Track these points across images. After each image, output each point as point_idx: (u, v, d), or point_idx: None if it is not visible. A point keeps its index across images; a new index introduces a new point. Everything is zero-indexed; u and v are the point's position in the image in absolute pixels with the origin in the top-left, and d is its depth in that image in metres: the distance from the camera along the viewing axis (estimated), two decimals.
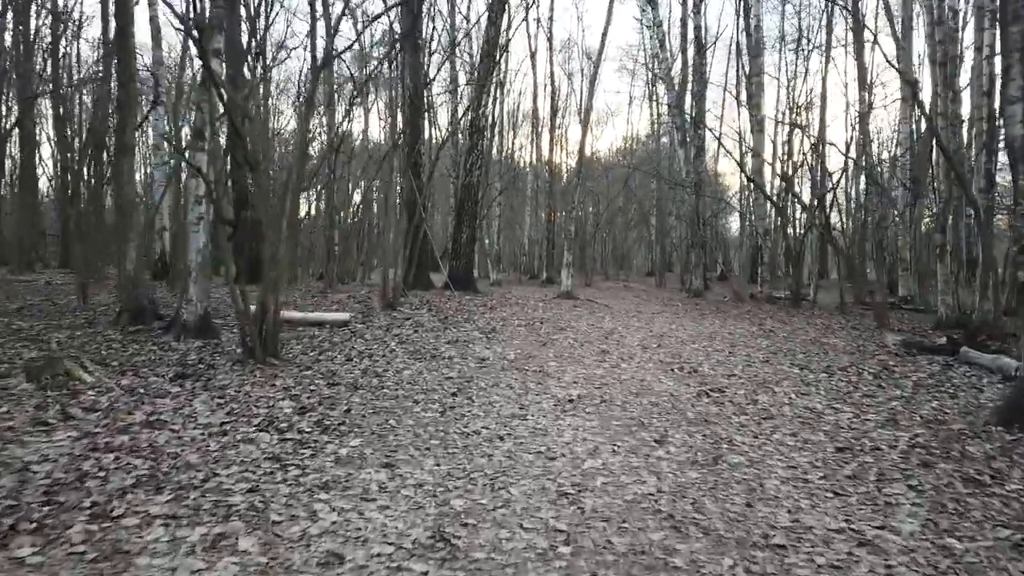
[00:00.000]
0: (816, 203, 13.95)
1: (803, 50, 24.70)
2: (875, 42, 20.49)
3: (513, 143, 38.63)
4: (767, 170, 25.13)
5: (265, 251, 5.69)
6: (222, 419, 4.32)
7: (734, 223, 42.22)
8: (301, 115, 7.27)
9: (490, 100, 16.15)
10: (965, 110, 15.27)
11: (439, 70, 14.01)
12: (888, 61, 10.78)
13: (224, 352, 6.46)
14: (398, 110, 13.66)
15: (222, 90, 5.76)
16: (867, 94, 21.75)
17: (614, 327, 10.69)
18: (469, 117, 15.39)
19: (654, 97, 37.24)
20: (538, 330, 9.59)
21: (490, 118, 24.91)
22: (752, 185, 22.28)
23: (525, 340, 8.54)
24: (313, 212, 24.09)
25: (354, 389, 5.34)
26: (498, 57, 15.59)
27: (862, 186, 24.52)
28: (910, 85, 9.33)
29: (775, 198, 16.00)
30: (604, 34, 16.58)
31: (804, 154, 14.44)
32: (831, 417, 5.15)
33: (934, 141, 15.41)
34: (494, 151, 29.05)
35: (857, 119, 20.94)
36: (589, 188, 35.18)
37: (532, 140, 34.45)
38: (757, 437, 4.58)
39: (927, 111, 9.48)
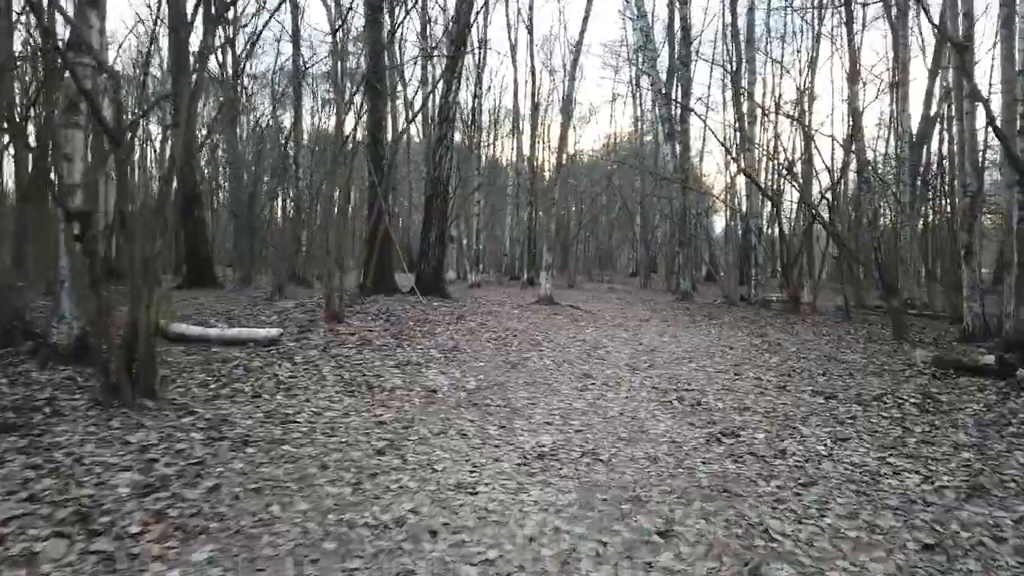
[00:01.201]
0: (820, 198, 12.71)
1: (793, 37, 23.52)
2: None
3: (494, 141, 37.42)
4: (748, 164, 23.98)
5: (135, 253, 4.24)
6: (8, 512, 2.87)
7: (717, 223, 41.14)
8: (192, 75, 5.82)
9: (462, 84, 14.71)
10: None
11: (398, 29, 12.48)
12: (932, 23, 9.45)
13: (96, 388, 4.98)
14: (353, 88, 12.15)
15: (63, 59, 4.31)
16: (860, 85, 20.68)
17: (598, 340, 9.33)
18: (438, 102, 13.97)
19: (637, 94, 36.19)
20: (509, 346, 8.19)
21: (465, 107, 23.50)
22: (745, 180, 21.10)
23: (492, 361, 7.13)
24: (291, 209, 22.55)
25: (242, 446, 3.90)
26: (470, 30, 14.10)
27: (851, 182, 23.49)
28: (957, 48, 8.02)
29: (770, 193, 14.71)
30: (586, 16, 15.23)
31: (811, 145, 13.14)
32: (892, 481, 3.80)
33: (956, 129, 14.21)
34: (478, 149, 27.62)
35: (850, 112, 19.76)
36: (572, 186, 33.94)
37: (513, 136, 33.04)
38: (802, 522, 3.21)
39: (976, 89, 8.19)
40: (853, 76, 20.66)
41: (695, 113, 16.77)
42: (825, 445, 4.51)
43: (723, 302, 17.76)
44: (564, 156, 16.05)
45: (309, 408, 4.75)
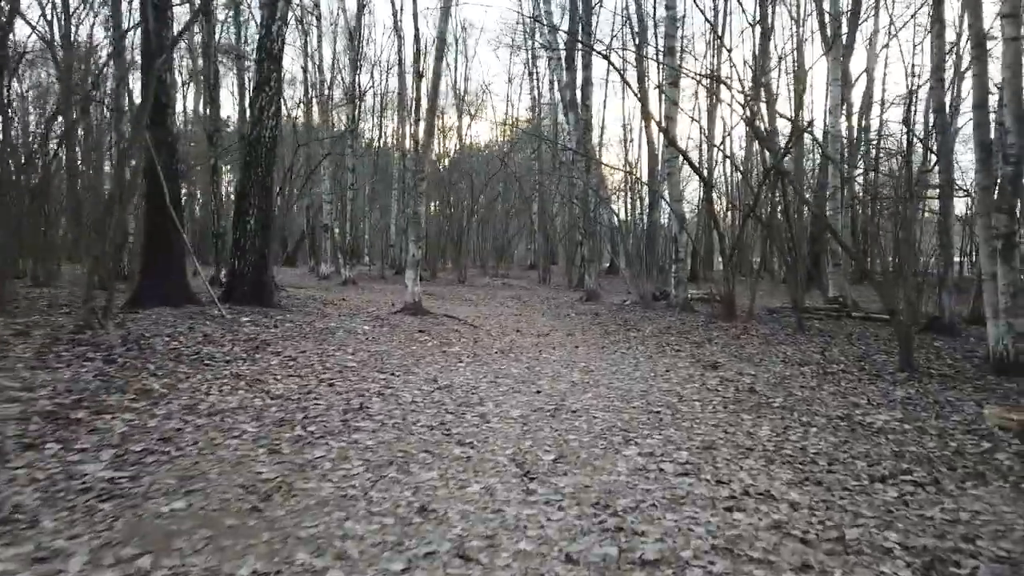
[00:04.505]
0: (770, 174, 9.76)
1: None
2: None
3: (382, 124, 33.54)
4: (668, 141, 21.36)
5: None
6: None
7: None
8: None
9: (290, 10, 10.71)
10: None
11: None
12: None
13: None
14: None
15: None
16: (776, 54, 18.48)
17: (472, 386, 5.79)
18: (258, 34, 9.91)
19: (535, 74, 33.24)
20: (297, 421, 4.44)
21: (346, 80, 19.03)
22: (650, 160, 18.36)
23: (225, 480, 3.35)
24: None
25: None
26: None
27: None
28: None
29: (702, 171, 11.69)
30: None
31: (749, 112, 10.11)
32: None
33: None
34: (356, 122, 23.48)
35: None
36: (465, 170, 30.33)
37: (398, 115, 29.08)
38: None
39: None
40: (765, 48, 18.40)
41: (600, 55, 13.68)
42: None
43: (635, 303, 14.78)
44: (436, 107, 12.41)
45: None
